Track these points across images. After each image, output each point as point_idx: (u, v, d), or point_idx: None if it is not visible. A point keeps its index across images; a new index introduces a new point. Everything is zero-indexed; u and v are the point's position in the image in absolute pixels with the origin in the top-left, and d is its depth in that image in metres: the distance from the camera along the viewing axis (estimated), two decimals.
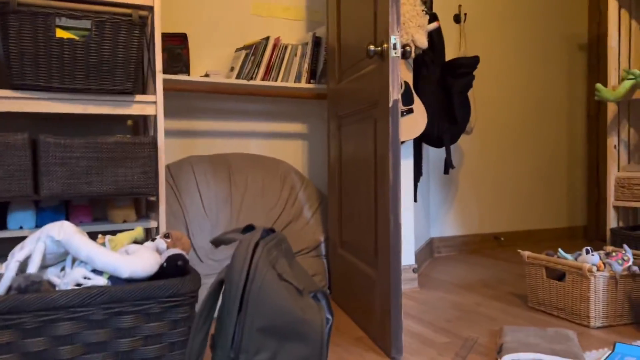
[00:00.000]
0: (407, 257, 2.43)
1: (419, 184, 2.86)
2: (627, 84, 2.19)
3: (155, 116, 1.76)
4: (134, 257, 1.23)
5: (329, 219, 2.33)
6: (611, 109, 2.44)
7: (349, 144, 2.04)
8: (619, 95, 2.22)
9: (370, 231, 1.77)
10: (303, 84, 2.49)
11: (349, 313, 2.06)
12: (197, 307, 1.99)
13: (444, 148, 3.31)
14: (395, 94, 1.57)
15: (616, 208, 2.41)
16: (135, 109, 1.71)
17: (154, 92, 1.76)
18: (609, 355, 1.54)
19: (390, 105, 1.57)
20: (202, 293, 1.97)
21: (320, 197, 2.57)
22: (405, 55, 1.67)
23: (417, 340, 1.78)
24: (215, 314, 0.86)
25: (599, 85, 2.27)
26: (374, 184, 1.74)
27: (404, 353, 1.65)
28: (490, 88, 3.50)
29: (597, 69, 3.68)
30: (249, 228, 0.99)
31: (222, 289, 0.84)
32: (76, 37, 1.60)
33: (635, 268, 1.83)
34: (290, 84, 2.46)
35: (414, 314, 2.08)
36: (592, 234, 3.76)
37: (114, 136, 1.61)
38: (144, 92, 1.93)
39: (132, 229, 1.48)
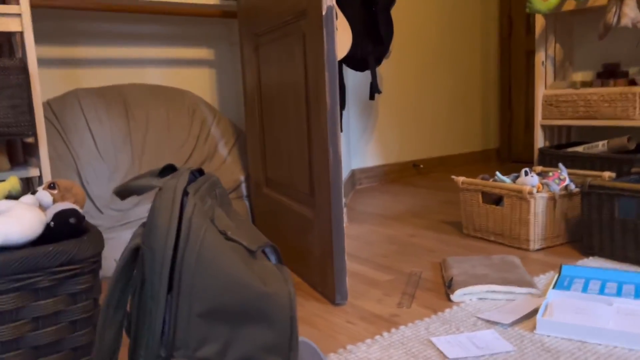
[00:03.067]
0: None
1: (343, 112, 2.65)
2: None
3: (21, 33, 1.36)
4: (7, 217, 0.91)
5: (250, 156, 2.07)
6: (539, 23, 2.34)
7: (270, 67, 1.76)
8: (551, 6, 2.10)
9: (304, 166, 1.55)
10: (208, 0, 2.13)
11: None
12: (102, 274, 1.68)
13: (363, 73, 3.10)
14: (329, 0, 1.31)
15: (543, 127, 2.36)
16: None
17: (18, 2, 1.35)
18: (557, 279, 1.48)
19: (324, 12, 1.31)
20: (109, 255, 1.67)
21: (237, 132, 2.29)
22: None
23: (358, 280, 1.62)
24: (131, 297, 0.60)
25: None
26: (305, 112, 1.49)
27: (348, 297, 1.49)
28: (404, 9, 3.30)
29: None
30: (168, 169, 0.72)
31: (139, 261, 0.58)
32: None
33: (572, 187, 1.79)
34: (192, 0, 2.10)
35: (348, 251, 1.93)
36: (504, 155, 3.82)
37: None
38: (3, 2, 1.50)
39: (4, 180, 1.13)
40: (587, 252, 1.71)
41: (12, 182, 1.11)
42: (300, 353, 0.77)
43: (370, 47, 2.31)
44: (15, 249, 0.91)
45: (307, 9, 1.40)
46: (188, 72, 2.39)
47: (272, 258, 0.75)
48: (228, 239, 0.60)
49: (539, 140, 2.37)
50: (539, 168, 2.11)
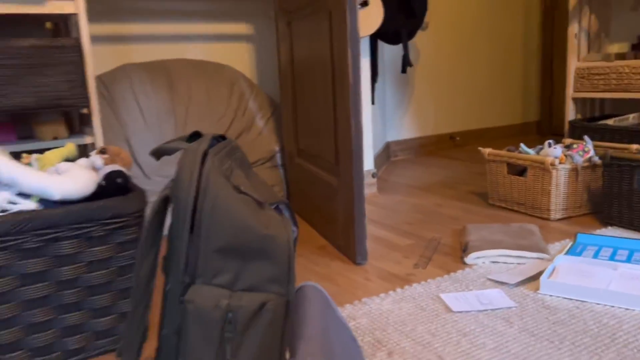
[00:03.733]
0: (367, 162, 2.35)
1: (376, 85, 2.72)
2: None
3: (76, 15, 1.51)
4: (65, 177, 1.08)
5: (284, 128, 2.19)
6: None
7: (301, 42, 1.86)
8: None
9: (329, 138, 1.66)
10: None
11: (309, 222, 1.99)
12: None
13: (400, 45, 3.15)
14: None
15: (574, 100, 2.37)
16: (51, 7, 1.46)
17: None
18: (571, 246, 1.54)
19: None
20: None
21: (273, 105, 2.41)
22: None
23: (380, 244, 1.74)
24: (166, 233, 0.74)
25: None
26: (331, 86, 1.59)
27: (368, 258, 1.61)
28: None
29: None
30: (195, 136, 0.85)
31: (169, 207, 0.72)
32: None
33: (595, 158, 1.82)
34: None
35: (375, 218, 2.04)
36: (545, 128, 3.79)
37: (28, 39, 1.37)
38: None
39: (63, 147, 1.30)
40: (607, 222, 1.75)
41: (69, 147, 1.27)
42: (308, 295, 0.90)
43: (403, 21, 2.37)
44: (72, 204, 1.08)
45: None
46: (228, 47, 2.52)
47: (285, 212, 0.88)
48: (240, 192, 0.72)
49: (570, 113, 2.38)
50: (569, 140, 2.14)
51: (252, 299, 0.67)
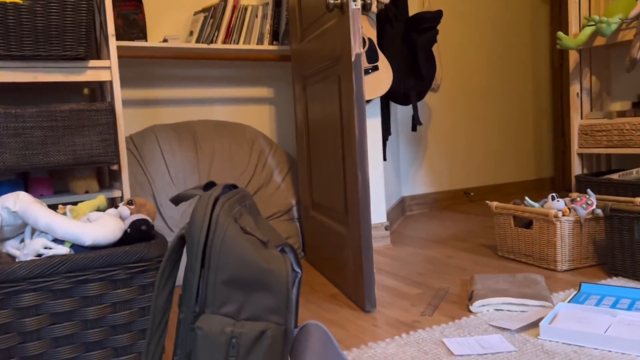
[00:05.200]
0: (379, 215, 2.44)
1: (387, 142, 2.85)
2: (588, 30, 2.20)
3: (111, 82, 1.69)
4: (95, 224, 1.20)
5: (299, 182, 2.32)
6: (573, 58, 2.45)
7: (315, 104, 2.01)
8: (580, 43, 2.23)
9: (340, 190, 1.77)
10: (266, 46, 2.43)
11: (322, 272, 2.07)
12: None
13: (411, 106, 3.30)
14: (357, 48, 1.54)
15: (580, 155, 2.45)
16: (89, 75, 1.65)
17: (108, 58, 1.69)
18: (575, 295, 1.59)
19: (352, 59, 1.54)
20: None
21: (290, 161, 2.55)
22: (365, 7, 1.63)
23: (390, 293, 1.80)
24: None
25: (560, 34, 2.28)
26: (341, 142, 1.72)
27: (377, 306, 1.67)
28: (454, 44, 3.48)
29: (559, 19, 3.69)
30: (210, 185, 0.97)
31: (184, 245, 0.82)
32: (20, 1, 1.52)
33: (598, 211, 1.88)
34: (252, 46, 2.41)
35: (387, 269, 2.10)
36: (559, 184, 3.84)
37: (68, 104, 1.54)
38: (98, 59, 1.86)
39: (95, 198, 1.43)
40: (612, 273, 1.79)
41: (100, 199, 1.41)
42: (311, 331, 0.98)
43: (412, 83, 2.52)
44: (101, 248, 1.19)
45: (340, 55, 1.64)
46: (250, 108, 2.70)
47: (291, 256, 0.97)
48: (246, 232, 0.83)
49: (577, 168, 2.46)
50: (575, 194, 2.20)
51: (254, 327, 0.76)
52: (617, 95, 2.57)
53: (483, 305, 1.56)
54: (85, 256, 1.16)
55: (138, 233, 1.23)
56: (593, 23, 2.12)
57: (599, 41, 2.24)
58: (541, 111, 3.88)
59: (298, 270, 1.00)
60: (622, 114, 2.25)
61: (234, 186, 0.98)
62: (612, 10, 2.25)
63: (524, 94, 3.81)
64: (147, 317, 1.24)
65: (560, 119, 3.76)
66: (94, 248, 1.20)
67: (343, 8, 1.56)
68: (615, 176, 2.21)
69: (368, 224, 1.59)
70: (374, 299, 1.62)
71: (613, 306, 1.47)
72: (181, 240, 0.82)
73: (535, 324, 1.41)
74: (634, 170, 2.16)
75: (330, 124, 1.82)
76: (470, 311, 1.57)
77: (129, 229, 1.23)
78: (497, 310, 1.55)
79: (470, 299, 1.61)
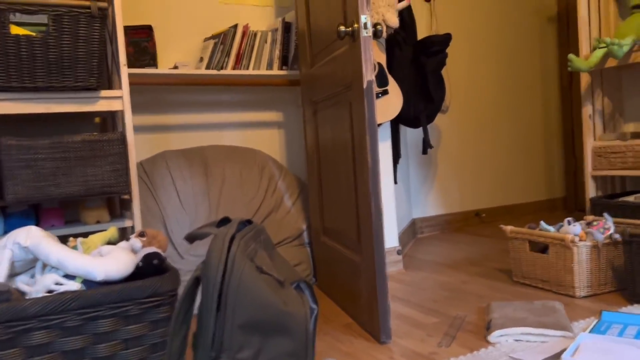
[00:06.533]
0: (391, 239, 2.41)
1: (398, 165, 2.83)
2: (599, 52, 2.18)
3: (122, 111, 1.69)
4: (107, 259, 1.18)
5: (310, 207, 2.30)
6: (584, 79, 2.44)
7: (325, 129, 2.00)
8: (591, 65, 2.21)
9: (352, 216, 1.74)
10: (275, 71, 2.44)
11: (335, 300, 2.03)
12: None
13: (421, 128, 3.28)
14: (369, 75, 1.54)
15: (594, 177, 2.42)
16: (101, 105, 1.65)
17: (120, 87, 1.70)
18: (596, 324, 1.54)
19: (364, 86, 1.53)
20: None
21: (300, 185, 2.54)
22: (376, 34, 1.63)
23: (405, 322, 1.76)
24: (196, 312, 0.82)
25: (571, 56, 2.26)
26: (352, 168, 1.70)
27: (393, 337, 1.63)
28: (463, 66, 3.48)
29: (567, 40, 3.69)
30: (225, 221, 0.95)
31: (200, 287, 0.80)
32: (33, 33, 1.53)
33: (616, 236, 1.84)
34: (262, 71, 2.41)
35: (400, 296, 2.07)
36: (571, 204, 3.79)
37: (80, 134, 1.54)
38: (110, 88, 1.86)
39: (106, 230, 1.42)
40: (632, 299, 1.75)
41: (112, 231, 1.39)
42: None
43: (422, 106, 2.51)
44: (113, 283, 1.17)
45: (352, 82, 1.63)
46: (260, 132, 2.70)
47: (306, 291, 0.95)
48: (262, 272, 0.80)
49: (591, 190, 2.42)
50: (591, 217, 2.17)
51: None
52: (630, 117, 2.54)
53: (502, 336, 1.52)
54: (97, 292, 1.14)
55: (150, 267, 1.21)
56: (604, 45, 2.11)
57: (611, 62, 2.22)
58: (551, 131, 3.86)
59: (314, 306, 0.98)
60: (636, 135, 2.22)
61: (249, 221, 0.97)
62: (622, 32, 2.24)
63: (534, 114, 3.79)
64: (158, 353, 1.22)
65: (570, 139, 3.73)
66: (105, 283, 1.18)
67: (354, 36, 1.56)
68: (630, 198, 2.18)
69: (382, 253, 1.56)
70: (389, 330, 1.58)
71: (637, 336, 1.43)
72: (196, 282, 0.80)
73: (557, 356, 1.37)
74: None
75: (341, 149, 1.80)
76: (488, 342, 1.53)
77: (141, 263, 1.22)
78: (517, 340, 1.51)
79: (488, 328, 1.57)
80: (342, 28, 1.57)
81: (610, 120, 2.48)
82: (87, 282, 1.18)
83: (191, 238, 0.87)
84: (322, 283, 2.21)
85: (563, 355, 1.30)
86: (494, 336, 1.52)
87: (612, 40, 2.07)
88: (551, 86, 3.85)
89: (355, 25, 1.54)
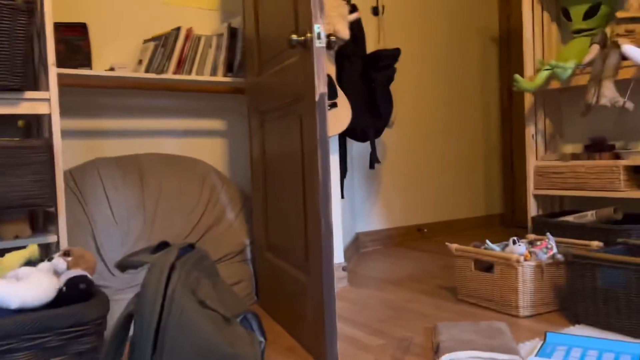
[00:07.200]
0: (337, 255, 2.35)
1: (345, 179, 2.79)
2: (544, 74, 2.23)
3: (49, 115, 1.54)
4: (24, 284, 1.04)
5: (254, 221, 2.19)
6: (528, 100, 2.49)
7: (273, 140, 1.92)
8: (537, 85, 2.26)
9: (300, 233, 1.66)
10: (219, 78, 2.33)
11: (278, 320, 1.94)
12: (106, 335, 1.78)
13: (368, 142, 3.26)
14: (321, 87, 1.47)
15: (536, 196, 2.46)
16: (24, 108, 1.48)
17: (47, 88, 1.54)
18: (541, 347, 1.54)
19: (316, 99, 1.47)
20: (114, 316, 1.78)
21: (244, 198, 2.43)
22: (330, 45, 1.57)
23: (351, 344, 1.69)
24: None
25: (517, 76, 2.30)
26: (302, 183, 1.63)
27: None
28: (409, 81, 3.50)
29: (507, 61, 3.80)
30: (162, 246, 0.85)
31: (132, 325, 0.70)
32: None
33: (559, 256, 1.86)
34: (206, 77, 2.30)
35: (346, 315, 2.00)
36: (508, 221, 3.89)
37: None
38: (36, 89, 1.69)
39: (25, 247, 1.27)
40: (574, 319, 1.76)
41: (32, 249, 1.24)
42: None
43: (370, 121, 2.47)
44: (30, 311, 1.03)
45: (303, 94, 1.56)
46: (202, 141, 2.57)
47: (253, 323, 0.86)
48: (206, 307, 0.71)
49: (533, 209, 2.47)
50: (532, 236, 2.19)
51: None
52: (569, 138, 2.62)
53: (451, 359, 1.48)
54: (11, 322, 1.00)
55: (75, 292, 1.08)
56: (549, 67, 2.15)
57: (554, 84, 2.28)
58: (491, 149, 3.95)
59: (262, 339, 0.89)
60: (575, 156, 2.28)
61: (192, 246, 0.87)
62: (565, 55, 2.30)
63: (475, 132, 3.87)
64: None
65: (509, 157, 3.83)
66: (21, 311, 1.03)
67: (307, 45, 1.49)
68: (571, 218, 2.22)
69: (331, 273, 1.49)
70: (336, 354, 1.51)
71: (582, 359, 1.43)
72: (128, 319, 0.70)
73: None
74: (588, 213, 2.18)
75: (290, 163, 1.72)
76: None
77: (64, 288, 1.08)
78: None
79: (437, 352, 1.53)
80: (294, 37, 1.50)
81: (551, 141, 2.55)
82: (1, 311, 1.03)
83: (122, 267, 0.76)
84: (264, 302, 2.11)
85: None
86: None
87: (557, 63, 2.12)
88: (492, 105, 3.94)
89: (308, 35, 1.48)
